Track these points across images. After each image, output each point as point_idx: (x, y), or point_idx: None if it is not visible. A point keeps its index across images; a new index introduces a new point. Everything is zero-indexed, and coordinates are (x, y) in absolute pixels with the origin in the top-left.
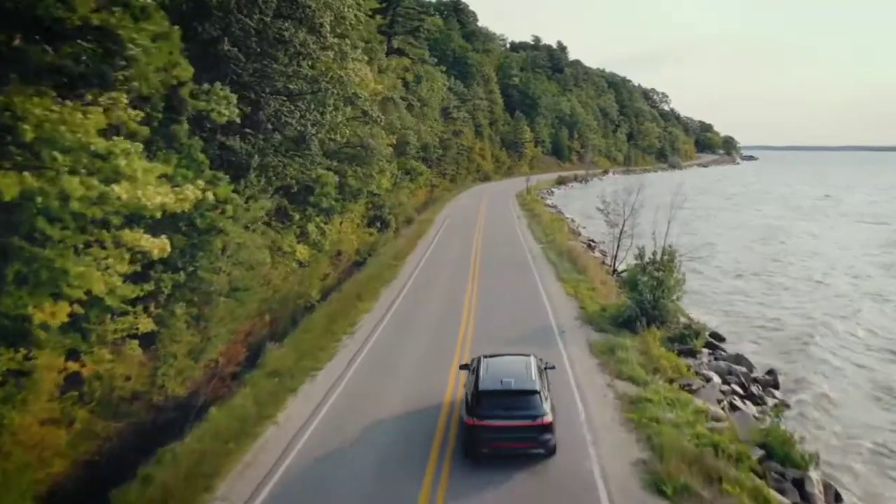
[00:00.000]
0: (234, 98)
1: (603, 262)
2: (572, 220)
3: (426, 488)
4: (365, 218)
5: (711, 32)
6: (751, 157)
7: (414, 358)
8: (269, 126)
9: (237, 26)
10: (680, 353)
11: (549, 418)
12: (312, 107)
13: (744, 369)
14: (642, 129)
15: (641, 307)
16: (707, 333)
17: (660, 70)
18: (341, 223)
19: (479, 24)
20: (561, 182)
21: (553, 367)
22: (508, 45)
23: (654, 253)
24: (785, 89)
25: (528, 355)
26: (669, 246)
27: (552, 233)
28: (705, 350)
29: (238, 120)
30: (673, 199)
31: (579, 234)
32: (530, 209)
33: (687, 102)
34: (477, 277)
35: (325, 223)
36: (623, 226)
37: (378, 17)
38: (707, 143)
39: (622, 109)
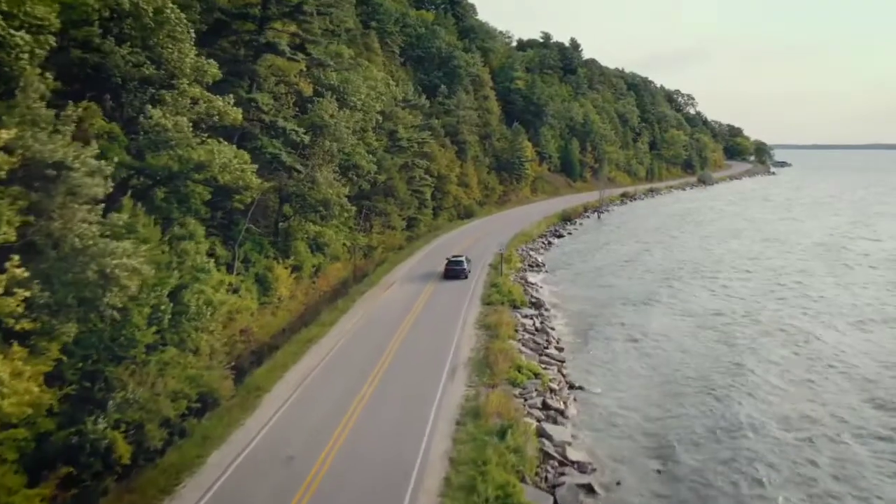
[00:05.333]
0: None
1: None
2: (569, 393)
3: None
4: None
5: (729, 32)
6: (783, 163)
7: None
8: None
9: None
10: None
11: (467, 268)
12: None
13: None
14: (666, 138)
15: None
16: None
17: (677, 72)
18: None
19: (483, 20)
20: (566, 218)
21: (470, 260)
22: (515, 44)
23: None
24: (805, 87)
25: (462, 255)
26: None
27: None
28: None
29: None
30: None
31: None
32: (493, 331)
33: (707, 103)
34: None
35: None
36: None
37: None
38: (737, 150)
39: (644, 115)
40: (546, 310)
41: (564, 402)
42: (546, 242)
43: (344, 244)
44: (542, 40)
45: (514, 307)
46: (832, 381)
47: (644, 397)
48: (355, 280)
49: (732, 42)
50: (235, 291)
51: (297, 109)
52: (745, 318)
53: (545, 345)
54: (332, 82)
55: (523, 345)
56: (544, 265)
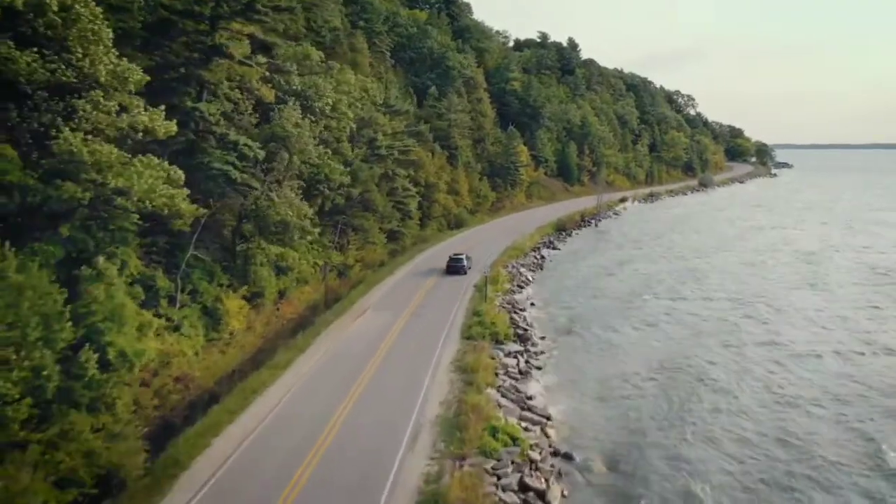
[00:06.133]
0: None
1: None
2: (553, 464)
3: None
4: None
5: (726, 32)
6: (785, 164)
7: None
8: None
9: None
10: None
11: (467, 264)
12: None
13: None
14: (666, 140)
15: None
16: None
17: (674, 71)
18: None
19: (479, 20)
20: (561, 228)
21: (471, 257)
22: (512, 44)
23: None
24: (803, 87)
25: (462, 253)
26: None
27: None
28: None
29: None
30: None
31: None
32: (469, 376)
33: (705, 103)
34: None
35: None
36: None
37: None
38: (738, 151)
39: (643, 116)
40: (533, 345)
41: (546, 480)
42: (539, 257)
43: (316, 264)
44: (539, 40)
45: (497, 342)
46: (816, 434)
47: (645, 467)
48: (326, 304)
49: (729, 42)
50: (176, 329)
51: (257, 117)
52: (753, 349)
53: (529, 394)
54: (296, 87)
55: (503, 395)
56: (535, 284)
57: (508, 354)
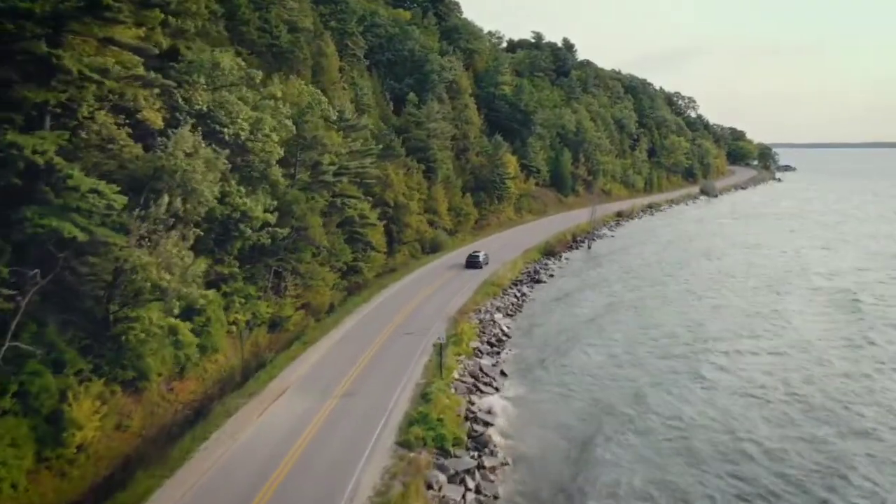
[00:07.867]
0: None
1: None
2: None
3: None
4: None
5: (722, 32)
6: (788, 167)
7: None
8: None
9: None
10: None
11: (483, 260)
12: None
13: None
14: (666, 144)
15: None
16: None
17: (670, 72)
18: None
19: (470, 20)
20: (549, 252)
21: (487, 254)
22: (505, 45)
23: None
24: (800, 87)
25: (480, 251)
26: None
27: None
28: None
29: None
30: None
31: None
32: None
33: (701, 104)
34: None
35: None
36: None
37: None
38: (740, 154)
39: (642, 120)
40: (492, 453)
41: None
42: (519, 294)
43: (236, 321)
44: (533, 41)
45: (443, 451)
46: None
47: None
48: (244, 375)
49: (725, 42)
50: None
51: (140, 148)
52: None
53: None
54: (199, 106)
55: None
56: (510, 337)
57: (453, 477)
